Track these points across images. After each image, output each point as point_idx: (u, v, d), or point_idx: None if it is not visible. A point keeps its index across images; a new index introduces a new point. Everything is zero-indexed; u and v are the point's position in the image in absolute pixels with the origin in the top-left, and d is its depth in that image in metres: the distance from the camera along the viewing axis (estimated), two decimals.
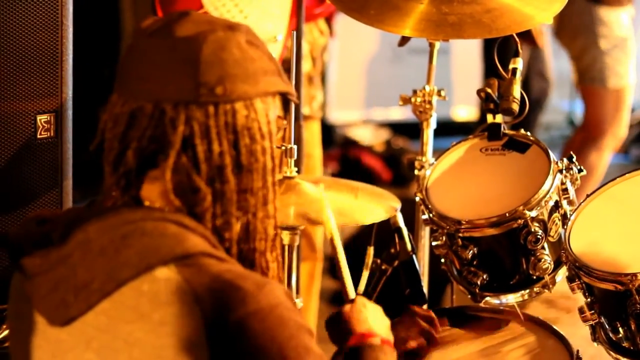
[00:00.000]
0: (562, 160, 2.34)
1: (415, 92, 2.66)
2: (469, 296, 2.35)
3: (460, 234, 2.28)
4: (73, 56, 2.40)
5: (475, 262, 2.31)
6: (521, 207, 2.24)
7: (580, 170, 2.34)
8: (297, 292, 2.51)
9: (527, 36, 4.64)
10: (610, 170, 4.63)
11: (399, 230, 2.40)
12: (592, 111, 4.69)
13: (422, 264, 2.67)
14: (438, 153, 2.54)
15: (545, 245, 2.27)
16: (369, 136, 6.55)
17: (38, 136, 2.35)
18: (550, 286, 2.32)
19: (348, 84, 6.78)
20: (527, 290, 2.33)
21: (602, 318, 2.15)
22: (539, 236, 2.24)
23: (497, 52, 2.49)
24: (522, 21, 2.42)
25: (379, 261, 2.42)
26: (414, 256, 2.40)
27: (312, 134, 3.50)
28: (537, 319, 2.24)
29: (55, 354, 1.55)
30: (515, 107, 2.39)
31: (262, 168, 1.58)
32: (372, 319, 1.77)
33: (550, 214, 2.28)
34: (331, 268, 4.27)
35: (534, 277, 2.30)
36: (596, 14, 4.50)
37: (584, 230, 2.21)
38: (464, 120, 6.86)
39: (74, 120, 2.43)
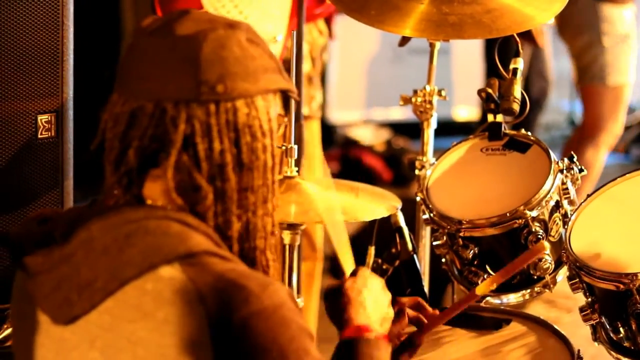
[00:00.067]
0: (563, 160, 2.34)
1: (415, 92, 2.66)
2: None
3: (461, 234, 2.29)
4: (74, 56, 2.40)
5: (476, 262, 2.31)
6: (522, 207, 2.24)
7: (581, 170, 2.34)
8: (298, 291, 2.51)
9: (528, 36, 4.65)
10: (611, 170, 4.62)
11: (399, 230, 2.40)
12: (590, 108, 4.70)
13: (423, 264, 2.67)
14: (439, 153, 2.54)
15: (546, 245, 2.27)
16: (369, 136, 6.55)
17: (39, 136, 2.35)
18: (551, 286, 2.32)
19: (349, 84, 6.79)
20: (528, 290, 2.33)
21: (603, 318, 2.15)
22: (539, 236, 2.24)
23: (498, 52, 2.49)
24: (523, 21, 2.42)
25: (380, 261, 2.42)
26: (414, 256, 2.40)
27: (312, 134, 3.50)
28: (538, 319, 2.24)
29: (58, 352, 1.55)
30: (516, 107, 2.39)
31: (262, 166, 1.58)
32: (370, 305, 1.76)
33: (551, 213, 2.28)
34: (331, 268, 4.27)
35: (535, 277, 2.30)
36: (600, 11, 4.51)
37: (585, 230, 2.21)
38: (465, 120, 6.86)
39: (74, 120, 2.43)
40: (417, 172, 2.62)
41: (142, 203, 1.57)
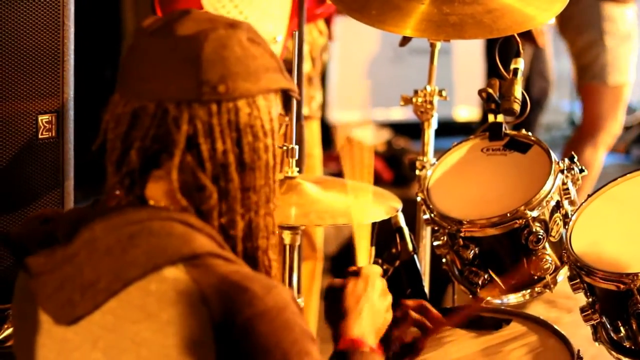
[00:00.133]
0: (564, 160, 2.34)
1: (416, 92, 2.66)
2: (470, 296, 2.35)
3: (462, 234, 2.29)
4: (74, 56, 2.40)
5: (476, 262, 2.31)
6: (522, 207, 2.24)
7: (581, 171, 2.34)
8: (299, 291, 2.51)
9: (528, 36, 4.65)
10: (612, 171, 4.62)
11: (400, 230, 2.40)
12: (589, 108, 4.70)
13: (424, 264, 2.68)
14: (439, 153, 2.54)
15: (547, 245, 2.27)
16: (370, 136, 6.54)
17: (39, 136, 2.35)
18: (552, 286, 2.32)
19: (349, 84, 6.78)
20: (529, 290, 2.33)
21: (604, 318, 2.15)
22: (540, 236, 2.24)
23: (499, 52, 2.49)
24: (523, 22, 2.42)
25: (380, 261, 2.42)
26: (415, 256, 2.40)
27: (312, 134, 3.50)
28: (539, 319, 2.24)
29: (60, 353, 1.54)
30: (517, 107, 2.39)
31: (264, 166, 1.58)
32: (367, 314, 1.78)
33: (552, 214, 2.28)
34: (332, 268, 4.27)
35: (535, 277, 2.30)
36: (602, 10, 4.51)
37: (586, 230, 2.21)
38: (465, 121, 6.86)
39: (75, 120, 2.43)
40: (417, 172, 2.62)
41: (144, 204, 1.57)
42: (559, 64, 5.82)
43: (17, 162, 2.31)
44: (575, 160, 2.35)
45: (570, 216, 2.27)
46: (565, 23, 4.63)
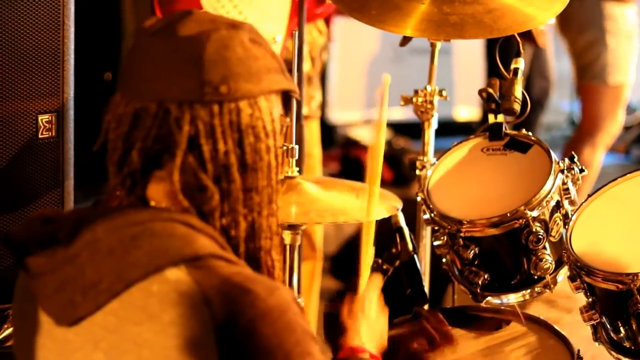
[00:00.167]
0: (564, 160, 2.34)
1: (416, 92, 2.66)
2: (470, 296, 2.35)
3: (462, 234, 2.29)
4: (74, 56, 2.40)
5: (476, 262, 2.31)
6: (522, 207, 2.24)
7: (581, 171, 2.34)
8: (298, 291, 2.51)
9: (528, 36, 4.65)
10: (611, 171, 4.62)
11: (400, 230, 2.40)
12: (589, 107, 4.70)
13: (424, 264, 2.68)
14: (439, 153, 2.54)
15: (547, 245, 2.27)
16: (370, 136, 6.54)
17: (39, 136, 2.35)
18: (552, 286, 2.32)
19: (349, 84, 6.78)
20: (529, 290, 2.33)
21: (604, 318, 2.15)
22: (540, 236, 2.24)
23: (500, 52, 2.49)
24: (524, 21, 2.42)
25: (380, 261, 2.42)
26: (415, 256, 2.40)
27: (312, 133, 3.50)
28: (538, 319, 2.24)
29: (61, 354, 1.54)
30: (517, 107, 2.39)
31: (266, 166, 1.58)
32: (366, 330, 1.79)
33: (552, 214, 2.28)
34: (332, 268, 4.27)
35: (535, 277, 2.30)
36: (604, 9, 4.51)
37: (586, 230, 2.21)
38: (466, 120, 6.86)
39: (75, 120, 2.43)
40: (417, 172, 2.62)
41: (145, 204, 1.56)
42: (560, 63, 5.82)
43: (17, 161, 2.31)
44: (576, 160, 2.35)
45: (570, 216, 2.27)
46: (567, 22, 4.63)
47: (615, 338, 2.15)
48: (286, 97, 1.66)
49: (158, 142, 1.54)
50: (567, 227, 2.24)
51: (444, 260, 2.42)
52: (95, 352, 1.51)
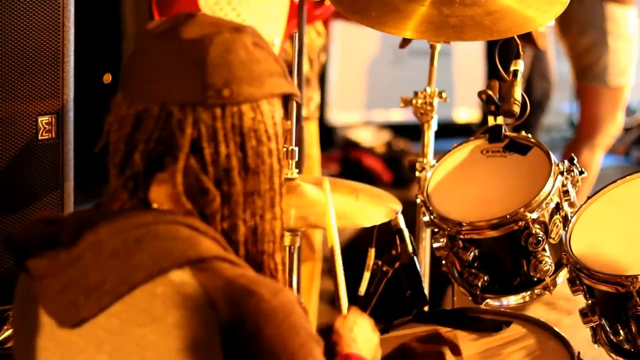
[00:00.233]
0: (563, 162, 2.34)
1: (416, 93, 2.66)
2: (470, 298, 2.36)
3: (461, 236, 2.29)
4: (74, 57, 2.40)
5: (476, 264, 2.31)
6: (522, 209, 2.24)
7: (581, 172, 2.34)
8: (298, 293, 2.52)
9: (528, 38, 4.64)
10: (611, 172, 4.63)
11: (400, 232, 2.40)
12: (588, 109, 4.69)
13: (423, 266, 2.67)
14: (439, 155, 2.54)
15: (546, 247, 2.27)
16: (369, 138, 6.55)
17: (39, 137, 2.35)
18: (551, 288, 2.32)
19: (349, 85, 6.79)
20: (528, 292, 2.33)
21: (603, 320, 2.15)
22: (539, 238, 2.24)
23: (500, 54, 2.49)
24: (523, 23, 2.42)
25: (380, 263, 2.42)
26: (415, 258, 2.40)
27: (310, 134, 3.50)
28: (538, 321, 2.24)
29: (63, 356, 1.54)
30: (516, 109, 2.39)
31: (268, 170, 1.58)
32: (360, 340, 1.79)
33: (551, 215, 2.28)
34: (331, 270, 4.27)
35: (535, 279, 2.30)
36: (605, 11, 4.51)
37: (585, 232, 2.21)
38: (465, 122, 6.86)
39: (75, 122, 2.43)
40: (417, 173, 2.62)
41: (148, 207, 1.56)
42: (559, 65, 5.82)
43: (17, 163, 2.31)
44: (575, 162, 2.35)
45: (569, 218, 2.27)
46: (567, 24, 4.62)
47: (614, 340, 2.15)
48: (286, 100, 1.66)
49: (160, 145, 1.54)
50: (566, 229, 2.24)
51: (443, 262, 2.42)
52: (99, 354, 1.51)
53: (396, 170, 6.14)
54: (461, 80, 6.74)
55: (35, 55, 2.32)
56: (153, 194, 1.57)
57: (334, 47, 6.51)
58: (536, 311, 2.99)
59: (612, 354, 2.16)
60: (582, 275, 2.13)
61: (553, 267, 2.28)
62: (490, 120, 2.47)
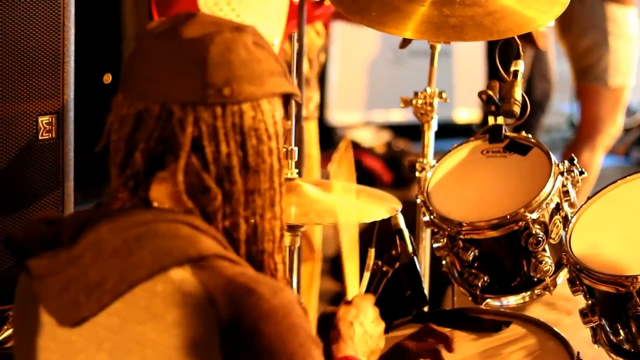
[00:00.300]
0: (563, 163, 2.34)
1: (416, 94, 2.66)
2: (470, 298, 2.36)
3: (461, 236, 2.29)
4: (75, 57, 2.40)
5: (476, 264, 2.31)
6: (522, 209, 2.24)
7: (581, 173, 2.35)
8: (298, 293, 2.52)
9: (529, 38, 4.65)
10: (611, 173, 4.63)
11: (400, 232, 2.40)
12: (589, 109, 4.69)
13: (423, 266, 2.67)
14: (439, 155, 2.54)
15: (546, 247, 2.27)
16: (369, 138, 6.55)
17: (39, 137, 2.35)
18: (551, 288, 2.32)
19: (349, 85, 6.79)
20: (528, 292, 2.33)
21: (603, 320, 2.15)
22: (540, 238, 2.24)
23: (500, 54, 2.49)
24: (524, 24, 2.42)
25: (380, 263, 2.42)
26: (415, 258, 2.40)
27: (310, 134, 3.51)
28: (538, 321, 2.24)
29: (64, 355, 1.54)
30: (517, 109, 2.39)
31: (269, 169, 1.58)
32: (359, 338, 1.79)
33: (552, 216, 2.28)
34: (331, 269, 4.27)
35: (535, 279, 2.30)
36: (606, 11, 4.50)
37: (585, 233, 2.21)
38: (466, 122, 6.86)
39: (75, 122, 2.43)
40: (417, 174, 2.62)
41: (148, 206, 1.57)
42: (560, 66, 5.82)
43: (17, 163, 2.31)
44: (575, 162, 2.35)
45: (570, 218, 2.27)
46: (567, 25, 4.62)
47: (614, 340, 2.15)
48: (286, 100, 1.66)
49: (161, 144, 1.54)
50: (566, 229, 2.24)
51: (443, 262, 2.42)
52: (99, 353, 1.51)
53: (396, 171, 6.14)
54: (461, 80, 6.75)
55: (35, 55, 2.32)
56: (154, 193, 1.57)
57: (334, 47, 6.52)
58: (536, 311, 2.98)
59: (612, 354, 2.16)
60: (582, 276, 2.13)
61: (553, 268, 2.28)
62: (491, 121, 2.47)
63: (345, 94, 6.77)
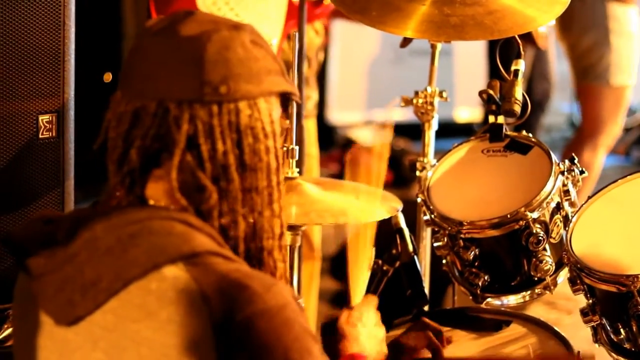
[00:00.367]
0: (564, 162, 2.34)
1: (417, 93, 2.66)
2: (470, 297, 2.36)
3: (462, 235, 2.29)
4: (75, 56, 2.40)
5: (476, 263, 2.31)
6: (523, 209, 2.24)
7: (582, 172, 2.34)
8: (298, 292, 2.51)
9: (529, 38, 4.64)
10: (612, 172, 4.62)
11: (400, 231, 2.40)
12: (590, 109, 4.68)
13: (424, 265, 2.67)
14: (440, 154, 2.54)
15: (547, 246, 2.27)
16: (370, 137, 6.54)
17: (40, 136, 2.35)
18: (552, 287, 2.32)
19: (349, 85, 6.79)
20: (529, 292, 2.33)
21: (604, 319, 2.15)
22: (540, 237, 2.24)
23: (501, 53, 2.49)
24: (524, 23, 2.42)
25: (380, 262, 2.42)
26: (415, 257, 2.40)
27: (309, 133, 3.51)
28: (539, 321, 2.24)
29: (62, 353, 1.54)
30: (517, 108, 2.39)
31: (266, 167, 1.58)
32: (364, 336, 1.79)
33: (552, 215, 2.28)
34: (332, 268, 4.27)
35: (535, 279, 2.30)
36: (608, 9, 4.50)
37: (586, 232, 2.21)
38: (466, 122, 6.86)
39: (75, 120, 2.43)
40: (417, 173, 2.62)
41: (145, 203, 1.57)
42: (560, 65, 5.82)
43: (18, 162, 2.31)
44: (576, 161, 2.35)
45: (570, 218, 2.27)
46: (568, 24, 4.62)
47: (615, 340, 2.15)
48: (285, 99, 1.66)
49: (157, 141, 1.54)
50: (567, 228, 2.24)
51: (444, 261, 2.42)
52: (95, 351, 1.51)
53: (397, 170, 6.13)
54: (462, 79, 6.74)
55: (36, 54, 2.32)
56: (150, 191, 1.57)
57: (334, 46, 6.51)
58: (536, 311, 2.98)
59: (612, 354, 2.16)
60: (582, 275, 2.13)
61: (553, 267, 2.28)
62: (491, 120, 2.47)
63: (346, 93, 6.76)
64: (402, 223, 2.40)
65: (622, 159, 6.76)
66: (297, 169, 2.34)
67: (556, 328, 2.21)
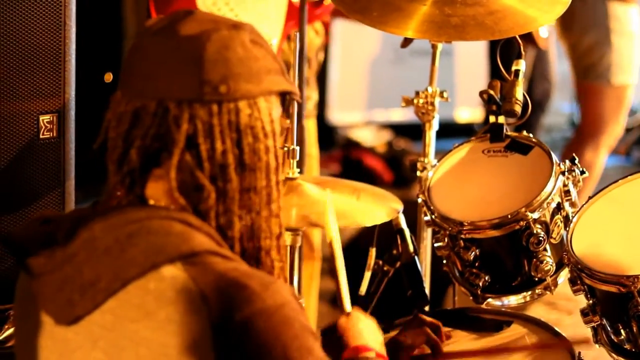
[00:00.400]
0: (565, 162, 2.34)
1: (417, 93, 2.66)
2: (471, 297, 2.35)
3: (463, 236, 2.28)
4: (76, 56, 2.40)
5: (477, 264, 2.31)
6: (523, 209, 2.24)
7: (582, 172, 2.34)
8: (299, 292, 2.51)
9: (529, 38, 4.64)
10: (612, 172, 4.62)
11: (401, 231, 2.40)
12: (591, 108, 4.67)
13: (424, 265, 2.67)
14: (440, 154, 2.54)
15: (547, 247, 2.27)
16: (370, 137, 6.55)
17: (40, 136, 2.35)
18: (552, 288, 2.32)
19: (350, 85, 6.79)
20: (529, 292, 2.33)
21: (604, 320, 2.15)
22: (541, 238, 2.24)
23: (502, 53, 2.49)
24: (525, 23, 2.42)
25: (381, 262, 2.42)
26: (416, 257, 2.40)
27: (309, 133, 3.51)
28: (539, 321, 2.24)
29: (62, 353, 1.55)
30: (518, 108, 2.39)
31: (265, 167, 1.58)
32: (367, 333, 1.78)
33: (553, 215, 2.28)
34: (332, 269, 4.27)
35: (536, 279, 2.30)
36: (609, 9, 4.50)
37: (586, 232, 2.21)
38: (467, 122, 6.86)
39: (76, 121, 2.43)
40: (418, 173, 2.62)
41: (144, 203, 1.57)
42: (560, 65, 5.82)
43: (18, 162, 2.31)
44: (576, 162, 2.35)
45: (571, 218, 2.27)
46: (569, 23, 4.61)
47: (615, 340, 2.15)
48: (285, 99, 1.66)
49: (157, 141, 1.54)
50: (567, 229, 2.24)
51: (444, 261, 2.42)
52: (94, 351, 1.52)
53: (397, 170, 6.14)
54: (463, 79, 6.74)
55: (36, 54, 2.32)
56: (149, 190, 1.57)
57: (334, 46, 6.52)
58: (537, 311, 2.98)
59: (613, 354, 2.16)
60: (583, 275, 2.13)
61: (554, 267, 2.28)
62: (492, 120, 2.47)
63: (346, 93, 6.76)
64: (403, 223, 2.41)
65: (622, 159, 6.76)
66: (298, 170, 2.34)
67: (557, 328, 2.20)
